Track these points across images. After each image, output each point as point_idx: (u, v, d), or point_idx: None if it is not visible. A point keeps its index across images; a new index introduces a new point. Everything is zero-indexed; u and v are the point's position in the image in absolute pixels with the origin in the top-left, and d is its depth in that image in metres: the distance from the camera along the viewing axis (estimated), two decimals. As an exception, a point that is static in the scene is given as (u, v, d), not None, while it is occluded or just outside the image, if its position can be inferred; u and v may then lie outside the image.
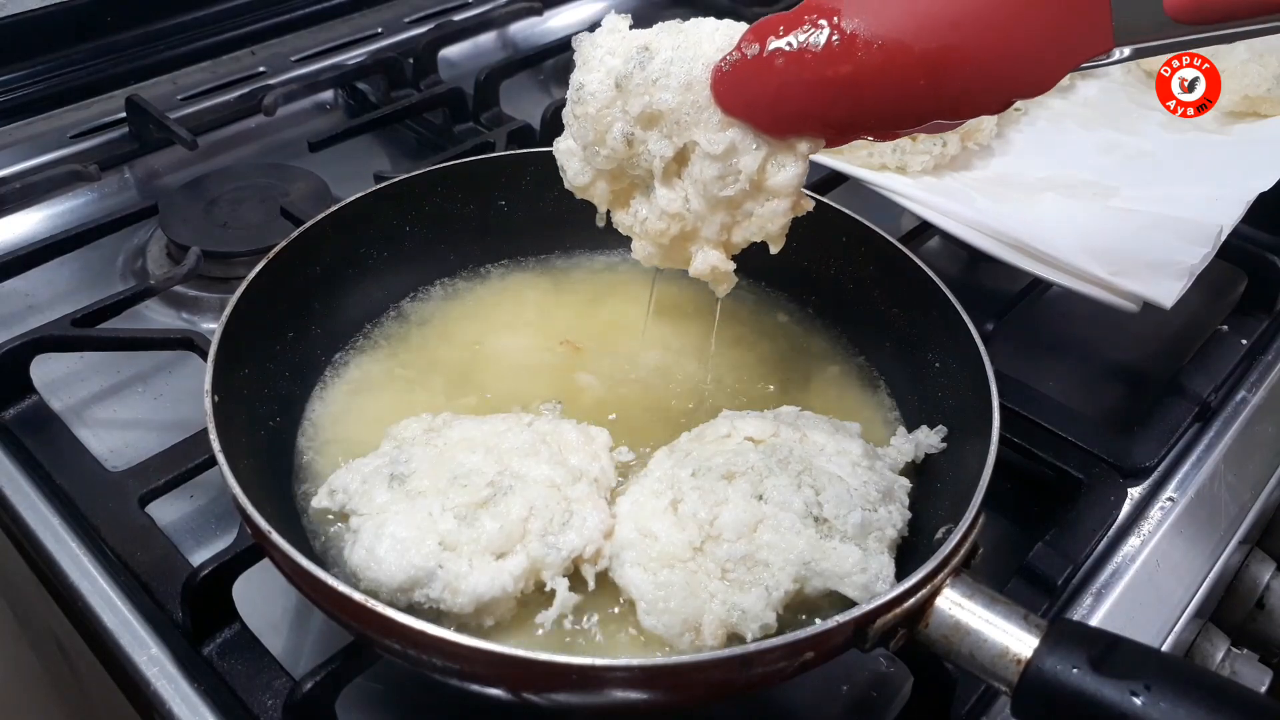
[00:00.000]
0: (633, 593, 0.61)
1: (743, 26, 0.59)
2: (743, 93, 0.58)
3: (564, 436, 0.68)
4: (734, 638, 0.59)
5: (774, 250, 0.65)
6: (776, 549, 0.60)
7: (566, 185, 0.67)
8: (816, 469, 0.64)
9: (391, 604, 0.56)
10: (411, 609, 0.59)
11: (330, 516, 0.67)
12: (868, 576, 0.60)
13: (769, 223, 0.62)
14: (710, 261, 0.65)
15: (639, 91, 0.60)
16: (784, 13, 0.56)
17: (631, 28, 0.62)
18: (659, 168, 0.62)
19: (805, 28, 0.54)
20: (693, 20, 0.62)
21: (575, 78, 0.63)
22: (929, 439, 0.72)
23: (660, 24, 0.62)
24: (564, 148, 0.66)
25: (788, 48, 0.55)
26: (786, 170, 0.60)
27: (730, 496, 0.62)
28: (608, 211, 0.68)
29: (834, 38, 0.54)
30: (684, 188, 0.63)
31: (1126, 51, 0.53)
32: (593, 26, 0.63)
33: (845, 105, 0.56)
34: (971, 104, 0.56)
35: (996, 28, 0.52)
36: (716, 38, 0.60)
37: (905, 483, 0.68)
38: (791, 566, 0.60)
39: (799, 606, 0.62)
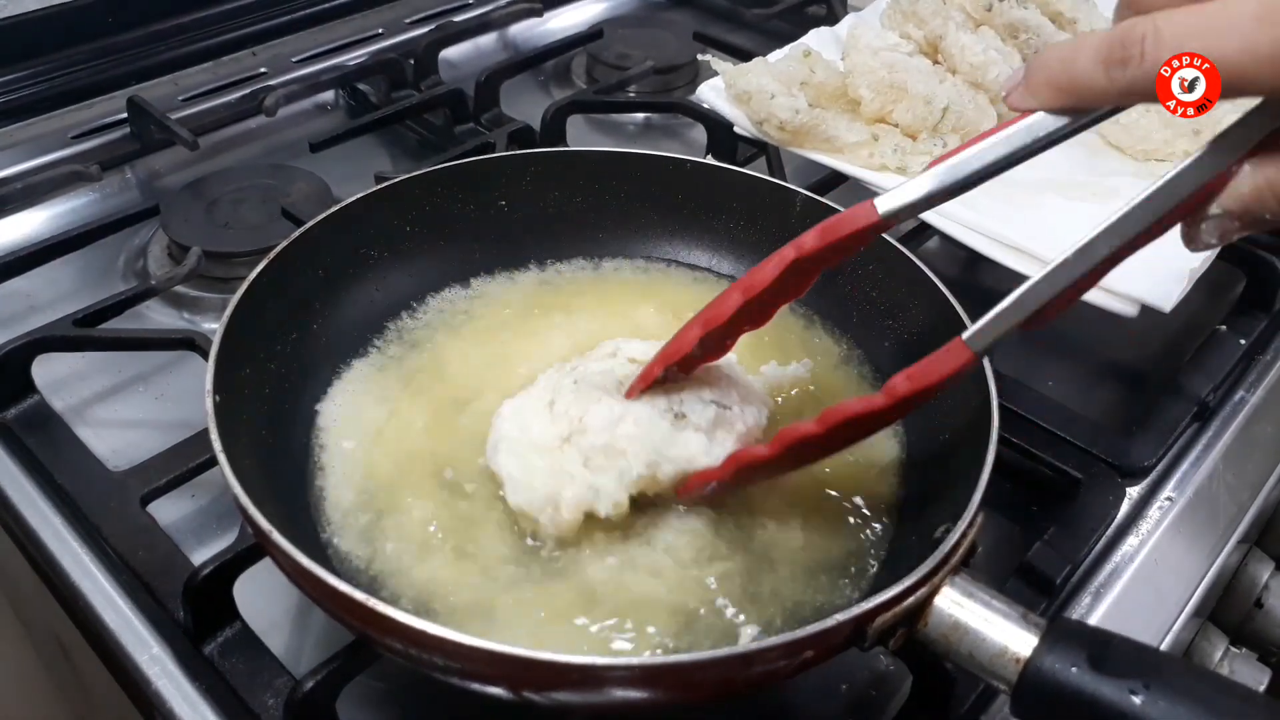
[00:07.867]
0: (502, 475, 0.66)
1: None
2: None
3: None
4: (592, 517, 0.64)
5: None
6: (635, 439, 0.65)
7: None
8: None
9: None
10: None
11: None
12: (710, 459, 0.65)
13: None
14: None
15: None
16: None
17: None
18: None
19: None
20: None
21: None
22: (796, 370, 0.78)
23: None
24: None
25: None
26: None
27: (601, 399, 0.67)
28: None
29: None
30: None
31: None
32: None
33: None
34: None
35: None
36: None
37: (767, 398, 0.74)
38: (645, 453, 0.65)
39: (787, 600, 0.63)
